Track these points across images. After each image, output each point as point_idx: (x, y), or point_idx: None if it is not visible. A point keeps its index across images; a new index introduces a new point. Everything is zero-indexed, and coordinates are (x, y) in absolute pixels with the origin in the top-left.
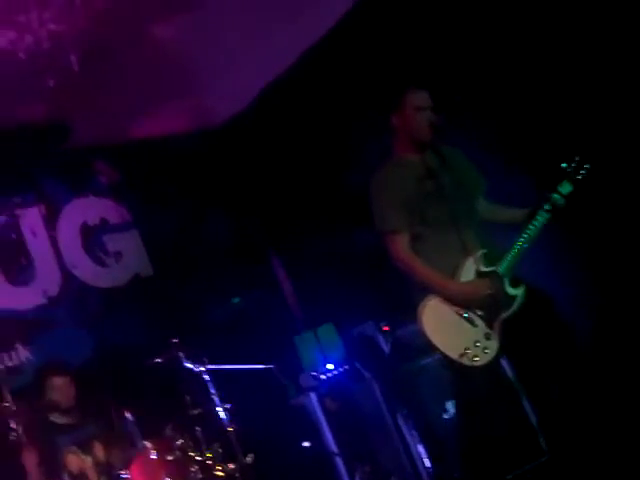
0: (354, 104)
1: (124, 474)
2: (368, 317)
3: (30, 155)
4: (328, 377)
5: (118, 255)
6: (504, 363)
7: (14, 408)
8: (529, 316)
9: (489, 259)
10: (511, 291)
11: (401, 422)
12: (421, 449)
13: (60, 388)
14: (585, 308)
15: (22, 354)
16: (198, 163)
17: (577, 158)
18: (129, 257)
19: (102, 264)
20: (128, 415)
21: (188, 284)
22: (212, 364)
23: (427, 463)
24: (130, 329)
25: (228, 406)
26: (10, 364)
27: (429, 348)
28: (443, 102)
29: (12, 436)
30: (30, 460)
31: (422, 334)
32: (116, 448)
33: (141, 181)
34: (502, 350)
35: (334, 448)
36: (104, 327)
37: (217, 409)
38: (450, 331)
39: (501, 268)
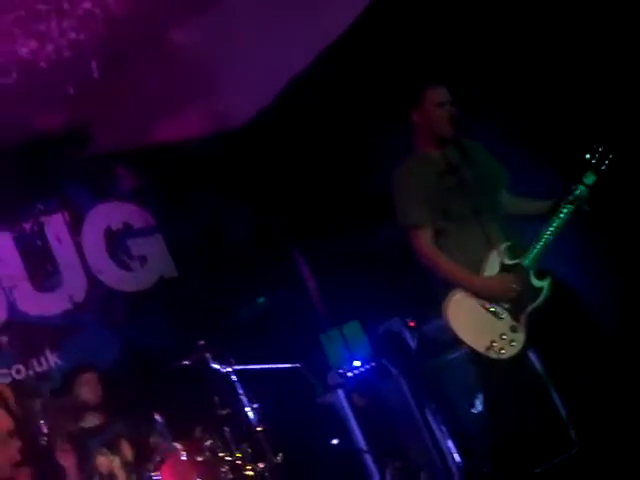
0: (374, 101)
1: (155, 476)
2: (394, 313)
3: (53, 162)
4: (355, 374)
5: (142, 259)
6: (532, 356)
7: (45, 413)
8: (556, 308)
9: (513, 252)
10: (537, 283)
11: (430, 417)
12: (450, 444)
13: (88, 383)
14: (612, 299)
15: (51, 360)
16: (220, 165)
17: (600, 148)
18: (153, 260)
19: (127, 268)
20: (157, 417)
21: (213, 285)
22: (239, 364)
23: (457, 458)
24: (156, 332)
25: (256, 406)
26: (39, 370)
27: (456, 343)
28: (463, 96)
29: (43, 440)
30: (68, 463)
31: (448, 329)
32: (144, 449)
33: (163, 185)
34: (529, 342)
35: (363, 445)
36: (130, 331)
37: (245, 409)
38: (476, 325)
39: (526, 260)
